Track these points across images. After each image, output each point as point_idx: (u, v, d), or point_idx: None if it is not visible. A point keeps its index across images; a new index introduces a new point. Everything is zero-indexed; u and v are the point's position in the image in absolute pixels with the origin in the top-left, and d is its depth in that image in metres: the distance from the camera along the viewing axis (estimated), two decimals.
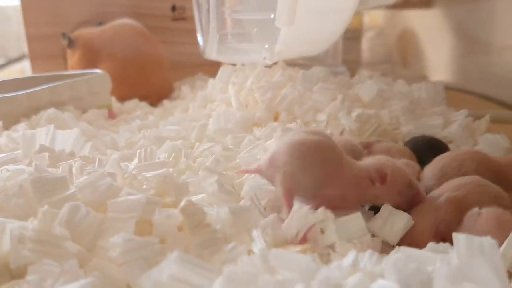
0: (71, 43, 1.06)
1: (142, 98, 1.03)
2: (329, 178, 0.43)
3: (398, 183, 0.44)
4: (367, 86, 0.75)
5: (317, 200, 0.42)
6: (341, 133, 0.64)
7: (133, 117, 0.87)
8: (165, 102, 1.01)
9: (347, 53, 1.59)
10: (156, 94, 1.06)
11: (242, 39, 0.79)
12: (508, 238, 0.36)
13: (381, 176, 0.43)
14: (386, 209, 0.42)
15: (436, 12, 1.40)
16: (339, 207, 0.41)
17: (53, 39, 1.16)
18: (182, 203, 0.37)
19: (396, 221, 0.42)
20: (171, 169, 0.48)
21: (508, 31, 1.08)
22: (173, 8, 1.28)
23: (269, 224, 0.40)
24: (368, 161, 0.46)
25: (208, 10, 0.76)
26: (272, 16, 0.70)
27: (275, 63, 0.87)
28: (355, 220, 0.39)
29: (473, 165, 0.50)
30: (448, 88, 1.19)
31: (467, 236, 0.32)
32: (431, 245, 0.35)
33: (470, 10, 1.22)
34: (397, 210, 0.42)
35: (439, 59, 1.38)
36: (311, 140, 0.44)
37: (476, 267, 0.29)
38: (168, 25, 1.29)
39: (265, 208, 0.47)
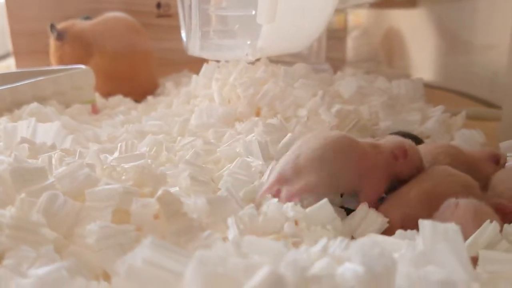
0: (60, 35, 1.05)
1: (127, 94, 1.03)
2: (365, 167, 0.45)
3: (415, 157, 0.47)
4: (347, 83, 0.76)
5: (363, 191, 0.44)
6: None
7: (116, 112, 0.88)
8: (149, 98, 1.01)
9: (332, 51, 1.61)
10: (142, 90, 1.06)
11: (224, 35, 0.80)
12: (482, 226, 0.37)
13: (403, 151, 0.45)
14: (362, 209, 0.43)
15: (420, 11, 1.42)
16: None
17: (38, 35, 1.16)
18: (159, 193, 0.38)
19: (371, 223, 0.43)
20: (149, 161, 0.49)
21: (488, 30, 1.10)
22: (158, 5, 1.28)
23: (246, 215, 0.41)
24: (384, 141, 0.47)
25: (190, 6, 0.77)
26: (253, 12, 0.70)
27: (258, 60, 0.88)
28: (324, 207, 0.40)
29: (447, 159, 0.51)
30: (431, 86, 1.21)
31: (432, 222, 0.33)
32: (399, 232, 0.36)
33: (452, 10, 1.24)
34: (372, 211, 0.43)
35: (423, 58, 1.40)
36: (335, 138, 0.45)
37: (439, 252, 0.31)
38: (153, 22, 1.29)
39: (242, 200, 0.48)
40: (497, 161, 0.53)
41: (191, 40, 0.81)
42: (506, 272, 0.32)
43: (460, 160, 0.52)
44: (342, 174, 0.44)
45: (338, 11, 1.59)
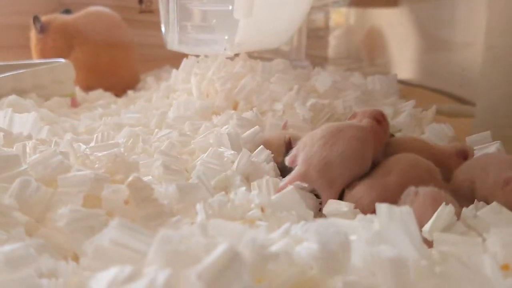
0: (43, 28, 1.05)
1: (108, 88, 1.04)
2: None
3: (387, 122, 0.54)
4: (322, 78, 0.78)
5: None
6: (284, 126, 0.66)
7: (95, 105, 0.88)
8: (130, 92, 1.02)
9: (314, 49, 1.63)
10: (123, 85, 1.07)
11: (202, 30, 0.81)
12: (438, 210, 0.39)
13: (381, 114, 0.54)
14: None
15: (401, 10, 1.44)
16: None
17: (18, 29, 1.16)
18: (130, 179, 0.39)
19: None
20: (122, 149, 0.50)
21: (465, 29, 1.13)
22: (140, 1, 1.29)
23: (216, 202, 0.43)
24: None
25: (168, 0, 0.78)
26: (230, 7, 0.72)
27: (237, 55, 0.90)
28: (289, 194, 0.41)
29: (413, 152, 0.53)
30: (411, 84, 1.23)
31: (388, 205, 0.35)
32: (359, 216, 0.38)
33: (432, 9, 1.26)
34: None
35: (403, 56, 1.42)
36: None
37: (392, 232, 0.32)
38: (136, 17, 1.30)
39: (214, 188, 0.49)
40: (465, 156, 0.55)
41: (170, 34, 0.82)
42: (457, 253, 0.34)
43: (428, 154, 0.54)
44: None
45: (318, 9, 1.61)
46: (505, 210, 0.38)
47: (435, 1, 1.27)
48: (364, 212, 0.43)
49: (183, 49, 0.84)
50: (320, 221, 0.35)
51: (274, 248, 0.31)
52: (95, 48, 1.04)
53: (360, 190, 0.46)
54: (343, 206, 0.43)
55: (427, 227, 0.39)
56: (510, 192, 0.43)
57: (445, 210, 0.38)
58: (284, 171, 0.51)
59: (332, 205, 0.44)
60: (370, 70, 1.55)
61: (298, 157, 0.48)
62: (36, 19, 1.04)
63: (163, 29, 0.88)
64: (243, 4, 0.69)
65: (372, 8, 1.61)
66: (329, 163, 0.46)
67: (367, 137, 0.49)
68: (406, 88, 1.20)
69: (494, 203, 0.39)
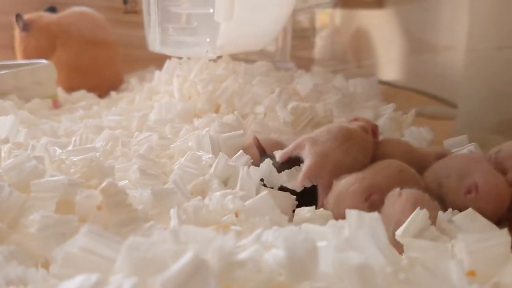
0: (26, 26, 1.04)
1: (91, 89, 1.03)
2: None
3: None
4: (304, 81, 0.78)
5: None
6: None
7: (77, 107, 0.88)
8: (113, 93, 1.02)
9: (301, 50, 1.63)
10: (106, 86, 1.06)
11: (183, 32, 0.81)
12: (412, 215, 0.39)
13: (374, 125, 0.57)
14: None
15: (387, 12, 1.45)
16: None
17: (1, 29, 1.15)
18: (103, 184, 0.39)
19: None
20: (97, 154, 0.50)
21: (450, 32, 1.14)
22: (125, 1, 1.28)
23: (191, 206, 0.43)
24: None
25: (149, 2, 0.78)
26: (211, 10, 0.72)
27: (220, 57, 0.90)
28: (263, 199, 0.42)
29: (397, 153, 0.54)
30: (396, 85, 1.24)
31: (358, 212, 0.35)
32: (330, 222, 0.38)
33: (417, 11, 1.27)
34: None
35: (389, 58, 1.43)
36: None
37: (361, 238, 0.33)
38: (120, 18, 1.29)
39: (191, 193, 0.49)
40: None
41: (151, 35, 0.82)
42: (425, 259, 0.34)
43: (411, 156, 0.55)
44: None
45: (304, 10, 1.61)
46: (479, 217, 0.39)
47: (419, 4, 1.27)
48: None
49: (164, 50, 0.84)
50: (290, 227, 0.36)
51: (242, 255, 0.31)
52: (78, 48, 1.04)
53: (353, 178, 0.46)
54: (307, 211, 0.44)
55: (400, 230, 0.39)
56: (472, 200, 0.44)
57: (420, 214, 0.38)
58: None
59: (301, 212, 0.45)
60: (356, 71, 1.55)
61: (305, 151, 0.50)
62: (18, 17, 1.03)
63: (146, 31, 0.88)
64: (224, 7, 0.70)
65: (358, 9, 1.62)
66: (343, 167, 0.48)
67: (370, 148, 0.52)
68: (392, 90, 1.21)
69: (470, 210, 0.40)
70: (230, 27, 0.75)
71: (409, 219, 0.39)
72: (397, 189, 0.44)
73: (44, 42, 1.04)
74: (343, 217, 0.37)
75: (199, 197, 0.47)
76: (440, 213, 0.42)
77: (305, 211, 0.45)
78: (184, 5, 0.80)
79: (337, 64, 1.64)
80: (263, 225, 0.40)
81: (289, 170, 0.49)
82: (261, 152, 0.53)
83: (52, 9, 1.11)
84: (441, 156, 0.56)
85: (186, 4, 0.79)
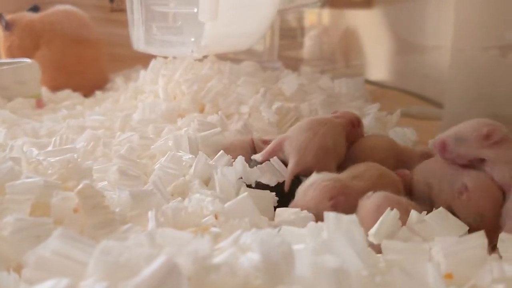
0: (8, 26, 1.03)
1: (76, 88, 1.02)
2: None
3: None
4: (289, 81, 0.78)
5: None
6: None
7: (61, 107, 0.87)
8: (98, 93, 1.01)
9: (290, 50, 1.63)
10: (91, 85, 1.05)
11: (167, 31, 0.81)
12: (382, 216, 0.39)
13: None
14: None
15: (375, 12, 1.45)
16: None
17: None
18: (80, 186, 0.39)
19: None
20: (75, 155, 0.49)
21: (436, 32, 1.14)
22: None
23: (170, 208, 0.42)
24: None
25: (132, 1, 0.77)
26: (195, 10, 0.71)
27: (206, 57, 0.89)
28: (243, 201, 0.41)
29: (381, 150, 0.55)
30: (384, 86, 1.24)
31: (336, 214, 0.35)
32: (309, 224, 0.38)
33: (405, 11, 1.27)
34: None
35: (378, 58, 1.43)
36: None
37: (338, 241, 0.32)
38: (107, 16, 1.28)
39: (172, 194, 0.49)
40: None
41: (135, 34, 0.81)
42: (402, 261, 0.34)
43: (395, 152, 0.55)
44: None
45: (293, 10, 1.61)
46: (450, 216, 0.39)
47: (407, 4, 1.28)
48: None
49: (149, 50, 0.83)
50: (267, 230, 0.35)
51: (217, 259, 0.31)
52: (62, 47, 1.03)
53: (325, 176, 0.46)
54: (292, 213, 0.43)
55: (372, 231, 0.39)
56: (465, 201, 0.44)
57: (389, 215, 0.38)
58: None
59: (284, 213, 0.44)
60: (345, 71, 1.55)
61: (286, 152, 0.51)
62: (0, 16, 1.02)
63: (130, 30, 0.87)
64: (208, 7, 0.69)
65: (347, 9, 1.62)
66: (324, 149, 0.50)
67: (343, 132, 0.54)
68: (380, 90, 1.21)
69: (440, 208, 0.40)
70: (214, 27, 0.74)
71: (379, 221, 0.39)
72: (370, 193, 0.44)
73: (28, 41, 1.03)
74: (309, 208, 0.38)
75: (179, 198, 0.47)
76: (413, 213, 0.42)
77: (289, 213, 0.45)
78: (168, 5, 0.79)
79: (325, 64, 1.64)
80: (242, 227, 0.39)
81: (261, 165, 0.50)
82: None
83: (35, 9, 1.10)
84: (426, 155, 0.56)
85: (170, 4, 0.78)
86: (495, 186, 0.45)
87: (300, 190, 0.46)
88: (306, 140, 0.50)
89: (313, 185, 0.45)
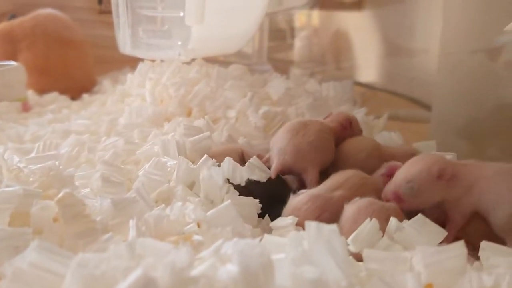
0: None
1: (63, 91, 1.01)
2: None
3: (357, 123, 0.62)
4: (276, 85, 0.78)
5: None
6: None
7: (47, 110, 0.86)
8: (85, 96, 1.00)
9: (280, 52, 1.63)
10: (78, 87, 1.05)
11: (154, 35, 0.80)
12: (361, 225, 0.39)
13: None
14: None
15: (365, 14, 1.46)
16: None
17: None
18: (60, 195, 0.38)
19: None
20: (57, 162, 0.49)
21: (425, 35, 1.14)
22: (100, 1, 1.27)
23: (153, 216, 0.42)
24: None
25: (118, 4, 0.77)
26: (182, 14, 0.71)
27: (194, 60, 0.89)
28: (225, 210, 0.41)
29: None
30: (374, 88, 1.25)
31: (317, 223, 0.35)
32: (291, 234, 0.38)
33: (395, 14, 1.28)
34: None
35: (368, 60, 1.43)
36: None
37: (318, 251, 0.32)
38: (95, 18, 1.27)
39: (156, 201, 0.49)
40: None
41: (121, 38, 0.81)
42: (382, 271, 0.34)
43: (379, 153, 0.55)
44: None
45: (283, 12, 1.61)
46: (429, 222, 0.39)
47: (397, 7, 1.28)
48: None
49: (136, 53, 0.83)
50: (246, 241, 0.35)
51: (196, 270, 0.30)
52: (44, 50, 1.02)
53: (304, 198, 0.46)
54: (286, 220, 0.43)
55: (350, 239, 0.39)
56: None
57: (368, 225, 0.38)
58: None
59: (278, 221, 0.44)
60: (335, 74, 1.56)
61: (272, 155, 0.52)
62: None
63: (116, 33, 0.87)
64: (194, 10, 0.69)
65: (337, 11, 1.62)
66: (302, 149, 0.51)
67: (330, 133, 0.54)
68: (370, 92, 1.21)
69: (419, 215, 0.40)
70: (201, 30, 0.74)
71: (357, 230, 0.39)
72: (357, 199, 0.44)
73: (8, 47, 1.03)
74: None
75: (163, 205, 0.46)
76: (392, 220, 0.42)
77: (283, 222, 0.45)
78: (154, 8, 0.79)
79: (315, 66, 1.64)
80: (224, 236, 0.39)
81: (245, 167, 0.50)
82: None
83: (14, 17, 1.09)
84: (411, 156, 0.56)
85: (157, 7, 0.78)
86: None
87: (285, 214, 0.46)
88: (285, 141, 0.52)
89: (294, 212, 0.45)
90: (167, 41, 0.80)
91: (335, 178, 0.49)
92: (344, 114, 0.60)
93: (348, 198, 0.45)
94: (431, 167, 0.43)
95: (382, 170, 0.51)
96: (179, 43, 0.77)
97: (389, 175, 0.48)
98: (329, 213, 0.44)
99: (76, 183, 0.50)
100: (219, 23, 0.75)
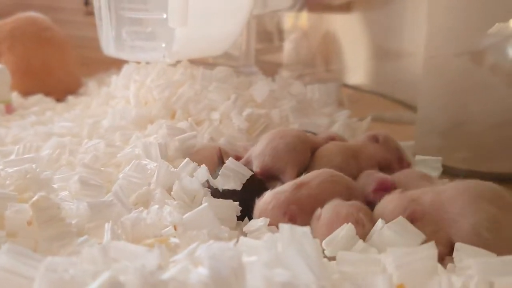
0: None
1: (48, 92, 1.01)
2: None
3: None
4: (260, 87, 0.78)
5: None
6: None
7: (30, 112, 0.86)
8: (70, 98, 0.99)
9: (269, 54, 1.63)
10: (62, 89, 1.04)
11: (137, 37, 0.80)
12: (338, 229, 0.40)
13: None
14: None
15: (354, 17, 1.46)
16: None
17: None
18: (34, 198, 0.38)
19: None
20: (34, 165, 0.49)
21: (412, 38, 1.15)
22: (86, 2, 1.26)
23: (130, 220, 0.42)
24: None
25: (100, 6, 0.76)
26: (165, 16, 0.71)
27: (179, 62, 0.89)
28: (202, 213, 0.41)
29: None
30: (363, 90, 1.25)
31: (291, 226, 0.35)
32: (266, 236, 0.38)
33: (383, 16, 1.28)
34: None
35: (356, 62, 1.44)
36: None
37: (290, 254, 0.32)
38: (81, 19, 1.27)
39: (136, 204, 0.49)
40: None
41: (104, 40, 0.81)
42: (355, 273, 0.34)
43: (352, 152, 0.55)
44: None
45: (272, 13, 1.61)
46: (409, 226, 0.39)
47: (384, 9, 1.29)
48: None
49: (120, 55, 0.82)
50: (220, 243, 0.35)
51: (167, 274, 0.30)
52: (25, 52, 1.02)
53: (268, 198, 0.46)
54: (258, 223, 0.43)
55: (324, 243, 0.39)
56: None
57: (345, 228, 0.38)
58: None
59: (250, 224, 0.44)
60: (324, 76, 1.56)
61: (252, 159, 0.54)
62: None
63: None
64: (177, 12, 0.69)
65: (326, 13, 1.63)
66: (279, 150, 0.53)
67: (306, 140, 0.56)
68: (358, 94, 1.22)
69: (400, 218, 0.40)
70: (185, 32, 0.74)
71: (333, 233, 0.39)
72: (318, 211, 0.44)
73: None
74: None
75: (141, 208, 0.46)
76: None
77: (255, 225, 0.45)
78: (137, 10, 0.79)
79: (304, 68, 1.64)
80: (200, 239, 0.39)
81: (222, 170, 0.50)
82: (220, 162, 0.54)
83: None
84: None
85: (140, 9, 0.78)
86: None
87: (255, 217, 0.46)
88: (264, 145, 0.54)
89: (262, 214, 0.45)
90: (151, 43, 0.79)
91: (303, 176, 0.49)
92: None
93: (314, 196, 0.45)
94: (401, 212, 0.42)
95: (369, 182, 0.50)
96: (163, 45, 0.77)
97: (380, 189, 0.48)
98: (297, 207, 0.45)
99: (55, 186, 0.49)
100: (204, 25, 0.75)
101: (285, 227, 0.35)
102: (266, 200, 0.45)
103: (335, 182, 0.48)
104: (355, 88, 1.33)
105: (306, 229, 0.34)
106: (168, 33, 0.76)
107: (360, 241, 0.38)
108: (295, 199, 0.45)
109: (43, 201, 0.38)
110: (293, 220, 0.42)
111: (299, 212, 0.43)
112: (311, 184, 0.46)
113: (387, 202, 0.44)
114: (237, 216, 0.47)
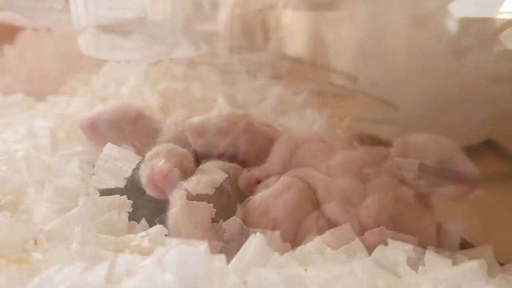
0: None
1: (28, 92, 0.99)
2: None
3: None
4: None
5: None
6: None
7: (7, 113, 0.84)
8: (50, 97, 0.98)
9: (251, 52, 1.62)
10: (41, 88, 1.02)
11: (116, 36, 0.79)
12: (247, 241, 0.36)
13: None
14: None
15: (341, 15, 1.46)
16: None
17: None
18: None
19: None
20: None
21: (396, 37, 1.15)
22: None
23: None
24: None
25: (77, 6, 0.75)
26: (144, 15, 0.70)
27: (160, 61, 0.88)
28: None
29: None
30: (348, 89, 1.25)
31: (260, 234, 0.35)
32: None
33: (368, 14, 1.28)
34: None
35: (342, 60, 1.43)
36: None
37: (257, 261, 0.32)
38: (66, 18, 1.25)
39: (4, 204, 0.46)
40: None
41: (83, 39, 0.80)
42: None
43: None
44: None
45: (257, 11, 1.60)
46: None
47: (370, 7, 1.29)
48: None
49: (98, 55, 0.81)
50: (188, 248, 0.35)
51: (134, 281, 0.30)
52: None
53: None
54: None
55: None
56: None
57: (254, 240, 0.35)
58: None
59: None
60: (308, 75, 1.56)
61: None
62: None
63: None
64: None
65: (313, 12, 1.62)
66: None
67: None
68: (343, 92, 1.22)
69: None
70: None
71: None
72: None
73: None
74: None
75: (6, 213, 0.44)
76: None
77: None
78: (115, 9, 0.78)
79: (288, 65, 1.64)
80: (172, 243, 0.38)
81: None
82: None
83: None
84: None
85: (118, 8, 0.77)
86: None
87: None
88: None
89: None
90: (131, 42, 0.79)
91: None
92: None
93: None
94: None
95: None
96: (142, 44, 0.76)
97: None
98: None
99: None
100: None
101: (258, 235, 0.34)
102: None
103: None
104: (340, 87, 1.33)
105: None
106: (146, 32, 0.75)
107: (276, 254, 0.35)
108: None
109: None
110: None
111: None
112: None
113: None
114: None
